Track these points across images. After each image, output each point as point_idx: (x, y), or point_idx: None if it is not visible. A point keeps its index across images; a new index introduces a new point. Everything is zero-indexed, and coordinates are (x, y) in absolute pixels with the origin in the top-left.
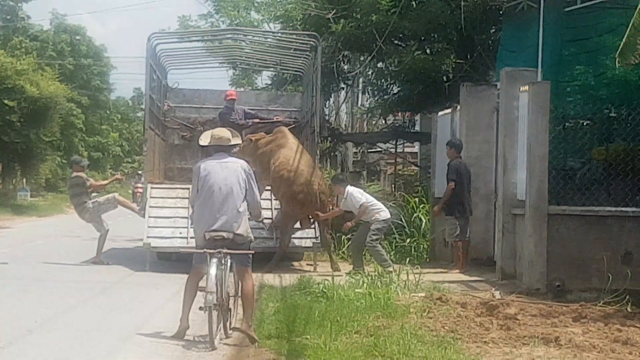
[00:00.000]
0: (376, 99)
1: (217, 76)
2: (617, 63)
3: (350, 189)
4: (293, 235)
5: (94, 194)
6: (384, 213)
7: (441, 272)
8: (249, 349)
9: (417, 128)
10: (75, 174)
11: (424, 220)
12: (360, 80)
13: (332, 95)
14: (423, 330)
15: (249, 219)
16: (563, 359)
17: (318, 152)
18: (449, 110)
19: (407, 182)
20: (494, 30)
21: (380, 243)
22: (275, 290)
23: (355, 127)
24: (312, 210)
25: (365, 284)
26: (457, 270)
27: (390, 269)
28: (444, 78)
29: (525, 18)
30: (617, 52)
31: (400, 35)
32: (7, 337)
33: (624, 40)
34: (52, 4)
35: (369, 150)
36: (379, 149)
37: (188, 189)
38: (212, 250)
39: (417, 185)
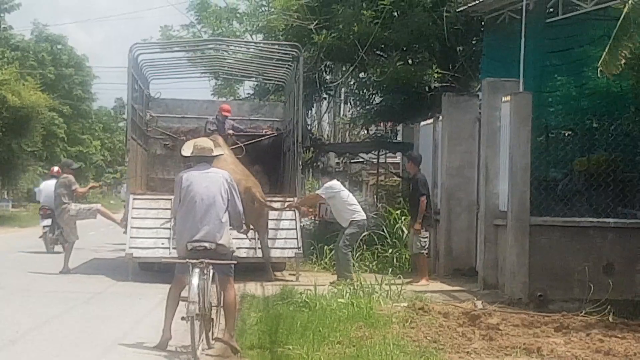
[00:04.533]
0: (358, 109)
1: (199, 86)
2: (599, 73)
3: (332, 182)
4: (276, 246)
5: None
6: (359, 215)
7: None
8: (231, 359)
9: (400, 138)
10: (64, 175)
11: (406, 231)
12: (343, 90)
13: (314, 105)
14: (405, 340)
15: (230, 230)
16: None
17: (300, 162)
18: (431, 121)
19: (389, 193)
20: (475, 41)
21: (352, 252)
22: (257, 300)
23: (338, 137)
24: (253, 218)
25: (347, 294)
26: (425, 281)
27: (348, 281)
28: (426, 88)
29: (507, 29)
30: (600, 62)
31: (382, 46)
32: None
33: (606, 50)
34: (36, 14)
35: (352, 161)
36: (361, 160)
37: (170, 199)
38: (194, 261)
39: (399, 196)
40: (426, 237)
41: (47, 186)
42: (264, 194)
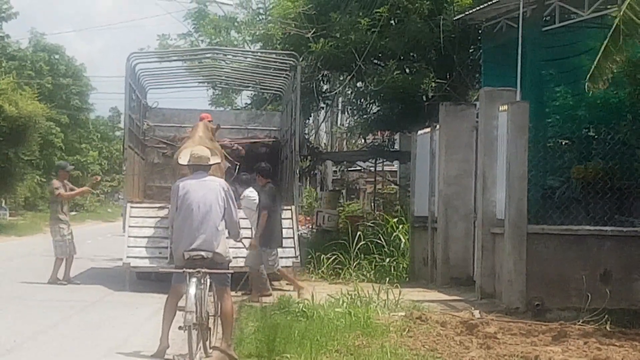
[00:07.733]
0: (356, 118)
1: (196, 95)
2: (586, 88)
3: (247, 191)
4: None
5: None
6: None
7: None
8: None
9: (397, 147)
10: (53, 181)
11: (403, 240)
12: (340, 99)
13: (312, 114)
14: (403, 349)
15: (227, 238)
16: None
17: (298, 170)
18: (428, 129)
19: (387, 201)
20: (472, 49)
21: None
22: (255, 310)
23: (335, 146)
24: None
25: (345, 303)
26: (303, 289)
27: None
28: (423, 97)
29: (505, 37)
30: (588, 77)
31: (380, 55)
32: None
33: (594, 64)
34: (34, 23)
35: (349, 169)
36: (359, 168)
37: (168, 208)
38: (191, 270)
39: (397, 204)
40: (274, 255)
41: None
42: None
